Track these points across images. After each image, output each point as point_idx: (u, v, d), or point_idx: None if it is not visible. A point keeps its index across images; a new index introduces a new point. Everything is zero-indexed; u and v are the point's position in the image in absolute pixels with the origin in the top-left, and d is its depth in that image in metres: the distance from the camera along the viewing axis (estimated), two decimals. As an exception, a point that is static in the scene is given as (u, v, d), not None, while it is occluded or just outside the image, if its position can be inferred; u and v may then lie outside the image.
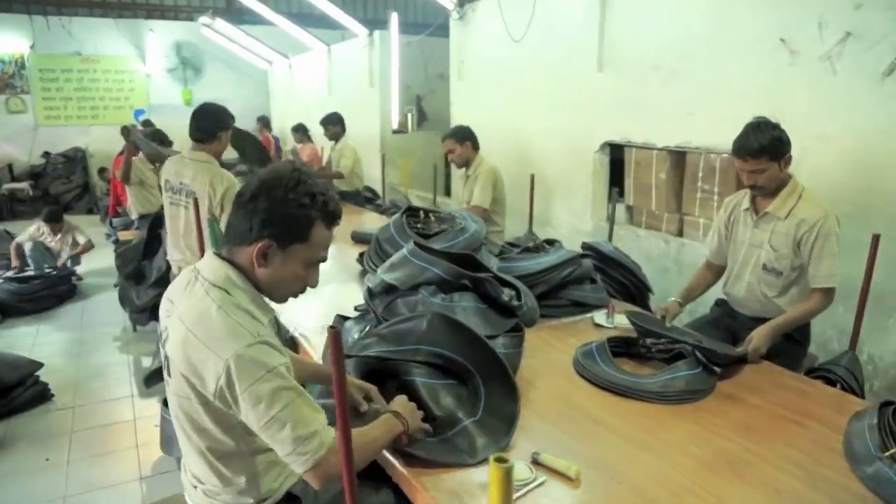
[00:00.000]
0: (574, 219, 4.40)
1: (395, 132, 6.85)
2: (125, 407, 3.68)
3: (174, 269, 3.16)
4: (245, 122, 11.93)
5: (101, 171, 10.28)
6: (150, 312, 3.73)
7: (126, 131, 5.23)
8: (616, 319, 2.51)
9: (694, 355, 2.05)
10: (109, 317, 5.22)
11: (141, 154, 5.04)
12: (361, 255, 2.99)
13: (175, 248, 3.09)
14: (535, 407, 1.80)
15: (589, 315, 2.59)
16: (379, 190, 6.06)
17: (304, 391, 1.24)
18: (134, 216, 5.07)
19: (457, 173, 5.03)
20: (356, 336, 1.90)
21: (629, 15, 3.80)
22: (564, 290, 2.59)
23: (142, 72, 11.11)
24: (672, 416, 1.82)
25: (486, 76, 5.20)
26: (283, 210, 1.27)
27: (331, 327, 1.02)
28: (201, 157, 2.94)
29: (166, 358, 1.30)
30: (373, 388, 1.62)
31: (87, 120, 10.82)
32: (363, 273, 2.91)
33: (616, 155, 4.27)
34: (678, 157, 3.81)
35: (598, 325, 2.50)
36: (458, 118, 5.62)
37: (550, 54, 4.42)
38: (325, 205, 1.33)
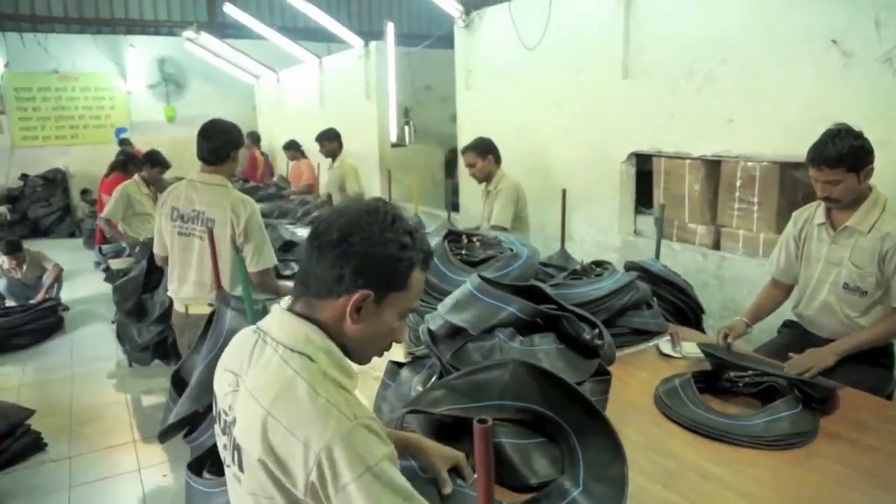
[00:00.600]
0: (599, 233, 4.18)
1: (393, 146, 6.60)
2: (127, 456, 3.35)
3: (177, 307, 2.81)
4: (231, 138, 11.64)
5: (83, 192, 9.89)
6: (153, 351, 3.40)
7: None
8: (684, 348, 2.28)
9: (792, 391, 1.82)
10: (101, 350, 4.87)
11: (136, 176, 4.74)
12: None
13: (182, 282, 2.72)
14: (629, 459, 1.57)
15: (651, 344, 2.36)
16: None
17: (414, 493, 0.98)
18: (126, 243, 4.74)
19: (468, 187, 4.80)
20: (419, 388, 1.64)
21: (657, 17, 3.61)
22: (623, 318, 2.36)
23: (122, 89, 10.75)
24: (783, 463, 1.59)
25: (495, 86, 4.98)
26: (382, 252, 1.02)
27: (480, 420, 0.77)
28: (215, 179, 2.63)
29: (235, 448, 1.03)
30: (461, 457, 1.35)
31: (66, 140, 10.41)
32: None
33: (641, 166, 4.07)
34: (712, 167, 3.61)
35: (665, 356, 2.27)
36: (465, 130, 5.39)
37: (569, 62, 4.21)
38: (423, 243, 1.09)
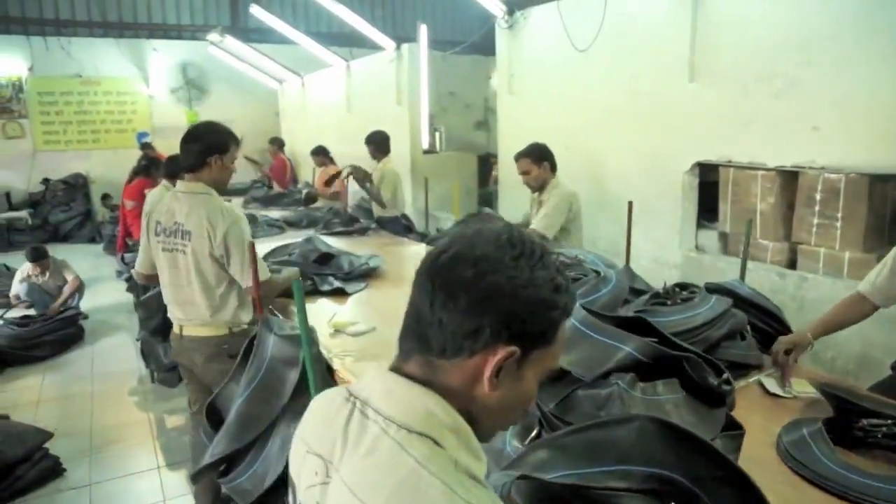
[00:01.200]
0: (657, 249, 3.88)
1: (425, 152, 6.34)
2: (151, 484, 3.10)
3: (174, 328, 2.52)
4: (254, 143, 11.44)
5: (104, 197, 9.75)
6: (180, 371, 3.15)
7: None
8: (794, 386, 1.98)
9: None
10: (122, 364, 4.65)
11: (164, 182, 4.50)
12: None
13: (175, 304, 2.46)
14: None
15: (752, 379, 2.06)
16: (412, 216, 5.55)
17: None
18: None
19: (510, 196, 4.53)
20: (514, 443, 1.35)
21: (730, 15, 3.32)
22: (718, 349, 2.06)
23: (144, 93, 10.63)
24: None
25: (542, 90, 4.70)
26: (533, 297, 0.75)
27: None
28: (195, 188, 2.34)
29: None
30: None
31: (87, 144, 10.30)
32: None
33: (702, 176, 3.77)
34: (788, 178, 3.31)
35: (771, 395, 1.97)
36: (507, 136, 5.12)
37: (626, 64, 3.93)
38: (570, 286, 0.81)
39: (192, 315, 2.44)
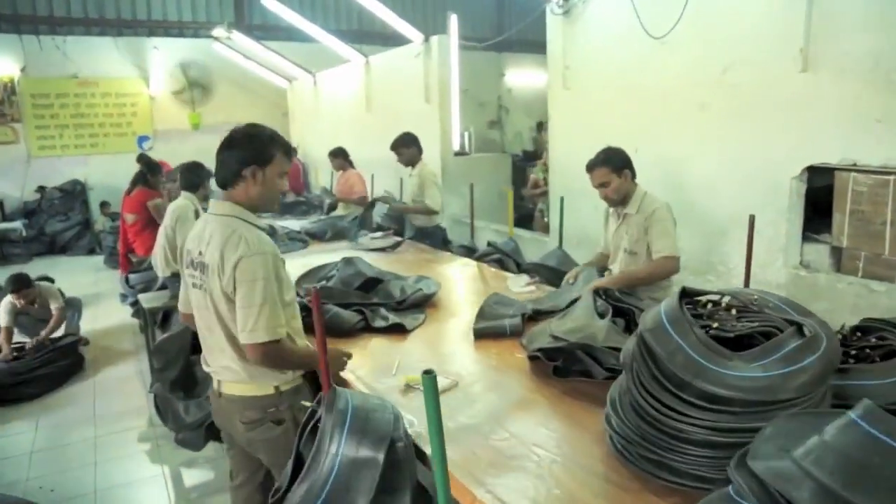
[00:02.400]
0: (755, 266, 3.32)
1: (456, 154, 5.79)
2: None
3: (214, 384, 1.98)
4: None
5: (103, 205, 9.18)
6: (206, 431, 2.53)
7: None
8: None
9: None
10: (129, 400, 4.09)
11: (185, 193, 3.95)
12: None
13: (207, 353, 1.99)
14: None
15: None
16: (447, 225, 5.00)
17: None
18: (163, 273, 3.91)
19: (572, 207, 3.97)
20: None
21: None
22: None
23: (145, 94, 10.05)
24: None
25: (604, 84, 4.12)
26: None
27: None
28: (225, 209, 1.88)
29: None
30: None
31: (85, 149, 9.71)
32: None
33: (811, 182, 3.22)
34: (930, 184, 2.76)
35: None
36: (561, 138, 4.56)
37: (716, 52, 3.37)
38: None
39: (228, 367, 1.89)
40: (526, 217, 5.90)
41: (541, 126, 7.00)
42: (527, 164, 6.78)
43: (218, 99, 10.46)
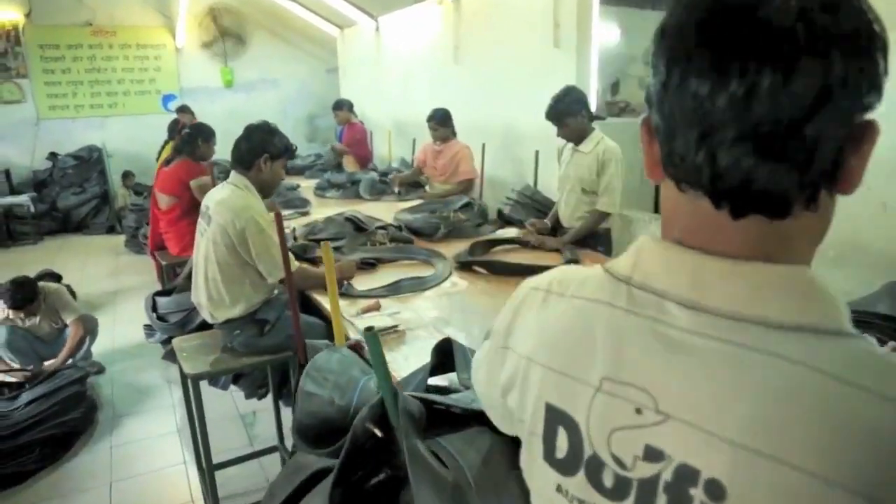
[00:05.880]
0: None
1: (594, 118, 4.25)
2: None
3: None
4: (305, 108, 9.39)
5: (125, 175, 7.85)
6: None
7: None
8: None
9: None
10: (163, 482, 2.74)
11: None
12: None
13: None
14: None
15: None
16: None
17: None
18: (212, 318, 2.46)
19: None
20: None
21: None
22: None
23: (170, 47, 8.60)
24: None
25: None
26: None
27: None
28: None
29: None
30: None
31: (102, 110, 8.33)
32: None
33: None
34: None
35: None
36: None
37: None
38: None
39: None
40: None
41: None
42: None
43: (254, 52, 9.01)
